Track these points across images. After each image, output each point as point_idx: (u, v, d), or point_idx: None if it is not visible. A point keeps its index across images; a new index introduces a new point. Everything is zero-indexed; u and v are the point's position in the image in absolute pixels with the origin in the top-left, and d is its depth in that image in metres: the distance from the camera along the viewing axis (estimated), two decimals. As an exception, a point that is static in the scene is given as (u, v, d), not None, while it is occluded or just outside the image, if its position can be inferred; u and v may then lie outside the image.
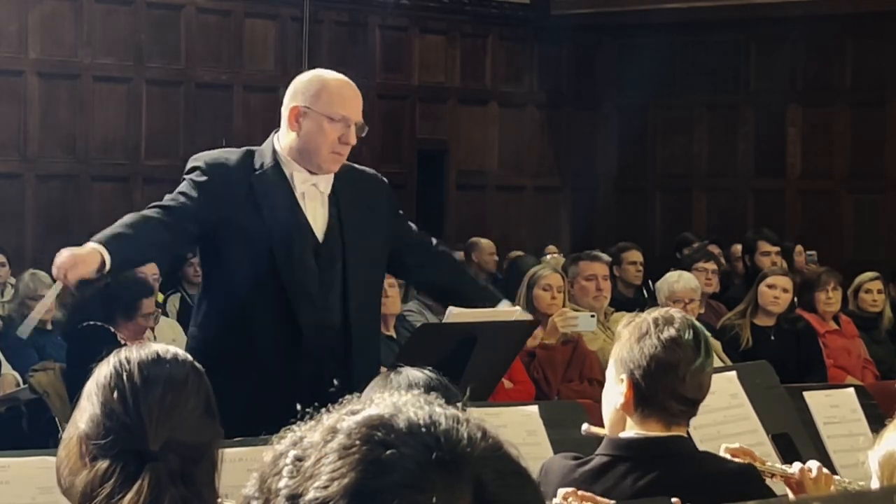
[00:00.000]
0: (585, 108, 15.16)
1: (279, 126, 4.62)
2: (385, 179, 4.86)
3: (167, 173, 12.26)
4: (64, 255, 4.21)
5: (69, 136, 11.96)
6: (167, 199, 4.48)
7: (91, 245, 4.27)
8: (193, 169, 4.53)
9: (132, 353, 2.52)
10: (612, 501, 3.13)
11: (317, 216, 4.54)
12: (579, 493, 3.12)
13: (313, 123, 4.47)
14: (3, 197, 11.54)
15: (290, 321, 4.46)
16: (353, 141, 4.49)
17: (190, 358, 2.57)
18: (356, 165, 4.77)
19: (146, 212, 4.47)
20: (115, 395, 2.44)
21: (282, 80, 13.19)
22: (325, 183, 4.55)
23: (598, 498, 3.13)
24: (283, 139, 4.54)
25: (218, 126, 12.52)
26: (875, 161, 13.88)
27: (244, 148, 4.63)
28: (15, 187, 11.70)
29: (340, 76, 4.65)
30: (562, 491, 3.14)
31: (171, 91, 12.48)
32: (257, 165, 4.52)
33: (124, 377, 2.46)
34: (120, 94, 12.21)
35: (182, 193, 4.48)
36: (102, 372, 2.50)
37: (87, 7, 11.94)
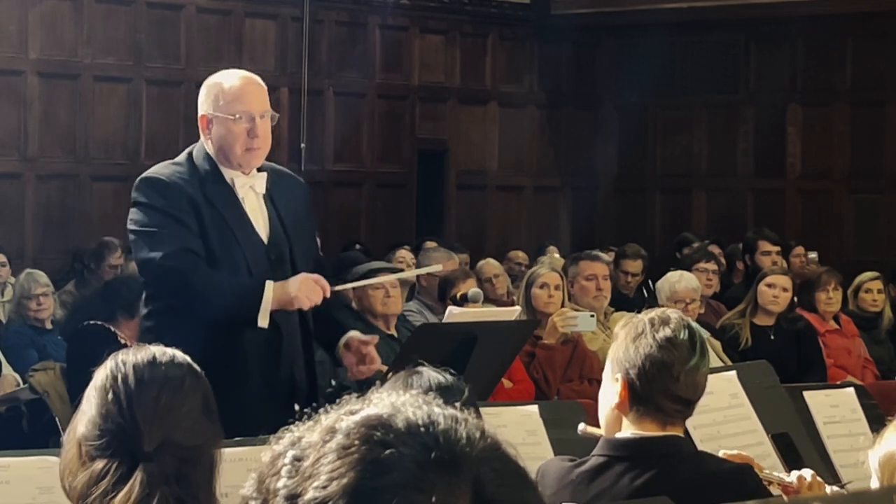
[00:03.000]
0: (585, 108, 15.16)
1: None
2: (304, 182, 4.85)
3: (167, 173, 12.28)
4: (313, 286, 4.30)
5: (69, 136, 11.96)
6: (177, 244, 4.38)
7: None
8: (152, 190, 4.48)
9: (129, 356, 2.53)
10: None
11: (258, 216, 4.55)
12: None
13: (221, 127, 4.49)
14: (3, 197, 11.54)
15: (272, 322, 4.41)
16: (261, 133, 4.49)
17: (188, 360, 2.57)
18: (277, 166, 4.79)
19: (207, 270, 4.39)
20: (111, 397, 2.46)
21: (282, 80, 13.19)
22: (260, 183, 4.56)
23: None
24: (208, 148, 4.56)
25: (218, 126, 12.50)
26: (875, 161, 13.88)
27: (185, 154, 4.61)
28: (15, 187, 11.69)
29: (238, 73, 4.68)
30: None
31: (171, 91, 12.47)
32: (202, 175, 4.51)
33: (119, 379, 2.48)
34: (120, 94, 12.20)
35: (165, 224, 4.41)
36: (100, 375, 2.52)
37: (87, 7, 11.94)
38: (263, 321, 4.32)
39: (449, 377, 3.04)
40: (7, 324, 8.39)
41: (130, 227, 4.50)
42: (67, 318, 7.75)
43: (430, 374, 3.05)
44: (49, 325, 8.08)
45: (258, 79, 4.67)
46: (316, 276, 4.33)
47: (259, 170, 4.58)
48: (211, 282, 4.37)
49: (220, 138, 4.49)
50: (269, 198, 4.57)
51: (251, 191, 4.54)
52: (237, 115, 4.46)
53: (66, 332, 7.48)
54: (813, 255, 11.45)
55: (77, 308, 7.69)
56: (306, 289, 4.29)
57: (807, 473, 3.47)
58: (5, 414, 6.81)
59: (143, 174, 4.59)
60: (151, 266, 4.43)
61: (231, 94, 4.51)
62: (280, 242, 4.54)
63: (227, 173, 4.51)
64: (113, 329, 6.98)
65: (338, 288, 4.36)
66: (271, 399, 4.35)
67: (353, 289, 4.41)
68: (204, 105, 4.53)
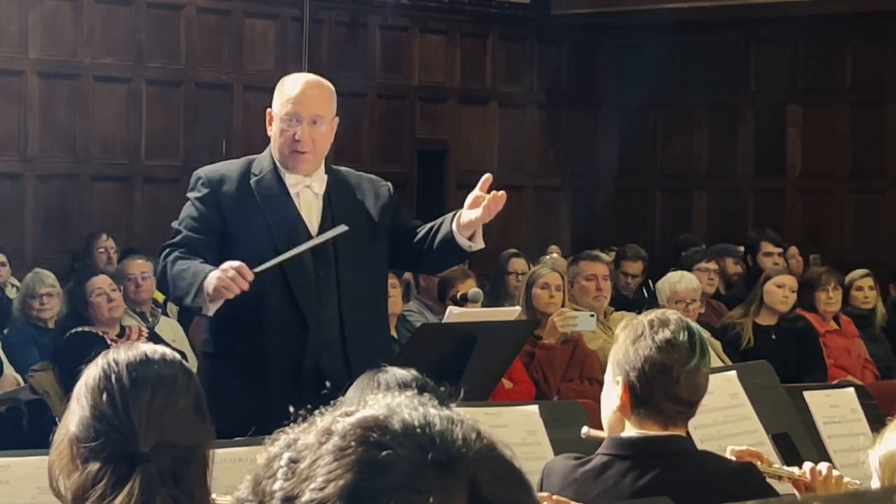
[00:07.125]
0: (585, 108, 15.16)
1: None
2: (388, 183, 4.95)
3: (167, 173, 12.29)
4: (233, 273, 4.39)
5: (69, 136, 11.96)
6: (181, 236, 4.63)
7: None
8: (195, 185, 4.72)
9: (120, 355, 2.50)
10: None
11: (311, 214, 4.69)
12: (554, 497, 3.13)
13: (276, 126, 4.67)
14: (3, 197, 11.55)
15: (297, 314, 4.58)
16: (304, 138, 4.60)
17: (178, 357, 2.56)
18: (354, 171, 4.95)
19: (179, 258, 4.57)
20: (105, 397, 2.43)
21: (282, 80, 13.21)
22: (319, 184, 4.71)
23: (572, 502, 3.14)
24: (272, 144, 4.74)
25: (218, 126, 12.52)
26: (875, 161, 13.88)
27: (247, 157, 4.82)
28: (15, 187, 11.70)
29: (304, 76, 4.80)
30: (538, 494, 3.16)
31: (171, 91, 12.48)
32: (256, 171, 4.69)
33: (113, 379, 2.44)
34: (120, 94, 12.20)
35: (190, 218, 4.66)
36: (91, 374, 2.48)
37: (87, 7, 11.94)
38: (206, 310, 4.46)
39: (415, 374, 3.04)
40: (11, 322, 8.41)
41: None
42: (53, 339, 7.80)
43: (397, 372, 3.05)
44: (52, 325, 8.09)
45: (324, 84, 4.76)
46: (238, 263, 4.40)
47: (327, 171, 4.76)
48: (170, 273, 4.56)
49: (274, 136, 4.67)
50: (328, 198, 4.70)
51: (308, 189, 4.69)
52: (283, 115, 4.62)
53: (51, 354, 7.46)
54: (815, 256, 11.44)
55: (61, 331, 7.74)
56: (224, 278, 4.37)
57: (822, 467, 3.44)
58: (5, 414, 6.82)
59: None
60: None
61: (287, 95, 4.65)
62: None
63: (283, 170, 4.68)
64: (101, 333, 7.01)
65: (258, 269, 4.42)
66: (294, 389, 4.40)
67: (272, 267, 4.49)
68: (272, 103, 4.70)
